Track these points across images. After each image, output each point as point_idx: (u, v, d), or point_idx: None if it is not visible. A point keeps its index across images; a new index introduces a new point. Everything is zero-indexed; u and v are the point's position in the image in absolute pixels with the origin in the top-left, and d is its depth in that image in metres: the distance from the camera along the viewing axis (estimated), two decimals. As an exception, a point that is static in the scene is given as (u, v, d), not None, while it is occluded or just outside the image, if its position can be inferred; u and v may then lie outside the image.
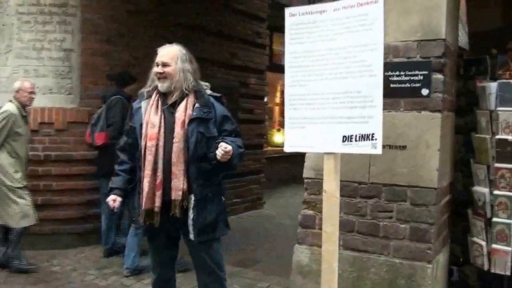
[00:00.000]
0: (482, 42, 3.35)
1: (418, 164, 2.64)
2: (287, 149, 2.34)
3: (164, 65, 2.37)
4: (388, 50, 2.61)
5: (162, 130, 2.34)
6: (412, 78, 2.64)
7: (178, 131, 2.32)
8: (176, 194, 2.29)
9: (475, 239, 2.91)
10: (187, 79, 2.39)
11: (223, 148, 2.18)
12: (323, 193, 2.22)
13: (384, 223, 2.72)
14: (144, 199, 2.31)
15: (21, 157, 3.91)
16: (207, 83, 2.55)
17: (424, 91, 2.61)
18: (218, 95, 2.49)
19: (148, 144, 2.33)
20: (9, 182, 3.81)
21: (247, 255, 4.51)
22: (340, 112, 2.16)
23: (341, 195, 2.22)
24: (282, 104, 9.71)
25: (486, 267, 2.81)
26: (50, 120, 4.52)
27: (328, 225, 2.19)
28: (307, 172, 2.99)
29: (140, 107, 2.45)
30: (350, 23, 2.15)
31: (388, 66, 2.55)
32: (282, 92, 9.62)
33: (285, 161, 8.54)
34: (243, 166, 5.93)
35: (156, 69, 2.39)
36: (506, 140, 2.70)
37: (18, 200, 3.82)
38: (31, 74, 4.52)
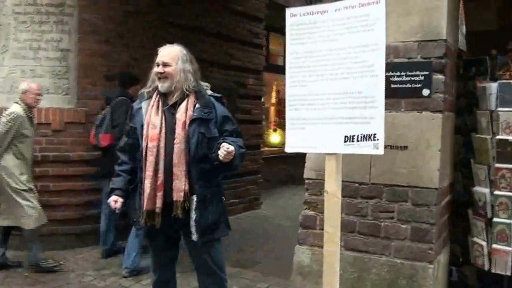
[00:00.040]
0: (481, 42, 3.36)
1: (419, 165, 2.64)
2: (288, 150, 2.34)
3: (165, 65, 2.36)
4: (389, 50, 2.61)
5: (163, 131, 2.33)
6: (413, 78, 2.64)
7: (179, 132, 2.31)
8: (178, 195, 2.28)
9: (475, 239, 2.91)
10: (188, 80, 2.38)
11: (225, 149, 2.18)
12: (325, 194, 2.22)
13: (385, 223, 2.73)
14: (145, 200, 2.30)
15: (27, 159, 3.90)
16: (207, 84, 2.55)
17: (425, 92, 2.62)
18: (219, 95, 2.49)
19: (149, 145, 2.32)
20: (14, 184, 3.79)
21: (246, 256, 4.50)
22: (341, 112, 2.16)
23: (342, 196, 2.22)
24: (278, 104, 9.73)
25: (486, 267, 2.82)
26: (47, 121, 4.49)
27: (330, 226, 2.19)
28: (308, 173, 2.99)
29: (140, 108, 2.44)
30: (351, 24, 2.16)
31: (389, 67, 2.55)
32: (278, 92, 9.66)
33: (282, 162, 8.55)
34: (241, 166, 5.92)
35: (156, 69, 2.38)
36: (506, 140, 2.71)
37: (23, 202, 3.79)
38: (28, 74, 4.49)
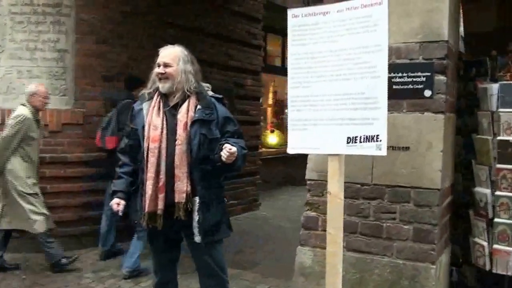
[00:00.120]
0: (481, 43, 3.37)
1: (420, 166, 2.65)
2: (290, 151, 2.33)
3: (166, 65, 2.35)
4: (391, 51, 2.61)
5: (164, 132, 2.32)
6: (414, 79, 2.65)
7: (181, 133, 2.30)
8: (180, 197, 2.27)
9: (476, 239, 2.92)
10: (189, 81, 2.37)
11: (228, 150, 2.17)
12: (327, 195, 2.21)
13: (387, 224, 2.73)
14: (147, 202, 2.29)
15: (34, 162, 3.89)
16: (208, 84, 2.54)
17: (427, 93, 2.62)
18: (220, 96, 2.48)
19: (151, 146, 2.30)
20: (20, 187, 3.77)
21: (246, 257, 4.49)
22: (343, 113, 2.16)
23: (344, 197, 2.21)
24: (275, 105, 9.73)
25: (488, 268, 2.83)
26: (44, 122, 4.44)
27: (332, 227, 2.18)
28: (310, 174, 2.98)
29: (141, 109, 2.42)
30: (353, 25, 2.15)
31: (390, 68, 2.54)
32: (276, 93, 9.66)
33: (279, 163, 8.55)
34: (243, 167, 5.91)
35: (157, 69, 2.37)
36: (507, 141, 2.73)
37: (26, 206, 3.77)
38: (24, 75, 4.46)
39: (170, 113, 2.36)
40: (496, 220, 2.77)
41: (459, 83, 3.15)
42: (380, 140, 2.08)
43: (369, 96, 2.09)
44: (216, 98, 2.44)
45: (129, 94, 4.19)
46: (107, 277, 3.87)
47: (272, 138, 9.38)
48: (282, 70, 7.79)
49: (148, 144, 2.31)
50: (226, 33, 6.18)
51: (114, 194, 2.41)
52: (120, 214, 2.37)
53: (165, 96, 2.39)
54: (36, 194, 3.86)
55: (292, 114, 2.31)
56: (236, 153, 2.20)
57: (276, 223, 6.07)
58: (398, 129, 2.68)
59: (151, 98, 2.41)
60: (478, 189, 2.93)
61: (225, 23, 6.14)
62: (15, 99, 4.32)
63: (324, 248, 2.23)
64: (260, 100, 7.50)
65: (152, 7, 5.05)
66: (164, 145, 2.30)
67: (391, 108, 2.60)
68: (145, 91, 2.47)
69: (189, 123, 2.30)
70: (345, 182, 2.25)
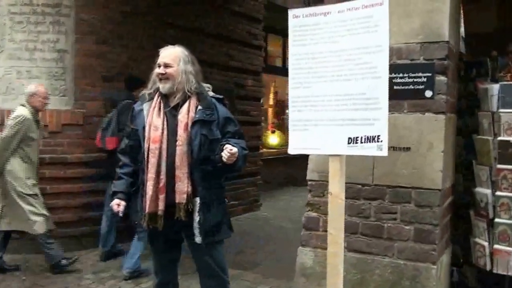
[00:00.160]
0: (482, 44, 3.37)
1: (421, 166, 2.64)
2: (291, 151, 2.33)
3: (166, 66, 2.35)
4: (392, 52, 2.61)
5: (165, 132, 2.32)
6: (415, 80, 2.65)
7: (181, 134, 2.30)
8: (180, 197, 2.27)
9: (477, 239, 2.92)
10: (189, 81, 2.37)
11: (229, 150, 2.17)
12: (328, 195, 2.21)
13: (388, 224, 2.73)
14: (147, 202, 2.29)
15: (34, 163, 3.89)
16: (209, 85, 2.54)
17: (428, 93, 2.62)
18: (221, 96, 2.48)
19: (152, 146, 2.30)
20: (20, 188, 3.77)
21: (247, 257, 4.48)
22: (344, 114, 2.16)
23: (345, 197, 2.21)
24: (276, 105, 9.73)
25: (488, 268, 2.83)
26: (44, 122, 4.44)
27: (333, 228, 2.18)
28: (311, 174, 2.98)
29: (142, 110, 2.42)
30: (354, 25, 2.15)
31: (391, 68, 2.54)
32: (276, 94, 9.66)
33: (280, 163, 8.55)
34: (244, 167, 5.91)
35: (158, 70, 2.37)
36: (508, 141, 2.73)
37: (26, 207, 3.77)
38: (24, 75, 4.45)
39: (171, 113, 2.35)
40: (496, 220, 2.78)
41: (459, 83, 3.15)
42: (381, 141, 2.08)
43: (370, 96, 2.09)
44: (217, 99, 2.44)
45: (129, 94, 4.18)
46: (107, 278, 3.86)
47: (273, 139, 9.37)
48: (283, 71, 7.78)
49: (149, 145, 2.31)
50: (226, 34, 6.17)
51: (114, 194, 2.41)
52: (121, 215, 2.37)
53: (165, 97, 2.39)
54: (36, 195, 3.86)
55: (293, 114, 2.31)
56: (237, 154, 2.20)
57: (277, 223, 6.07)
58: (399, 129, 2.68)
59: (151, 99, 2.41)
60: (478, 189, 2.93)
61: (225, 24, 6.13)
62: (14, 99, 4.32)
63: (325, 248, 2.23)
64: (261, 101, 7.50)
65: (152, 7, 5.05)
66: (164, 145, 2.30)
67: (392, 109, 2.59)
68: (146, 92, 2.47)
69: (189, 124, 2.30)
70: (346, 183, 2.25)
